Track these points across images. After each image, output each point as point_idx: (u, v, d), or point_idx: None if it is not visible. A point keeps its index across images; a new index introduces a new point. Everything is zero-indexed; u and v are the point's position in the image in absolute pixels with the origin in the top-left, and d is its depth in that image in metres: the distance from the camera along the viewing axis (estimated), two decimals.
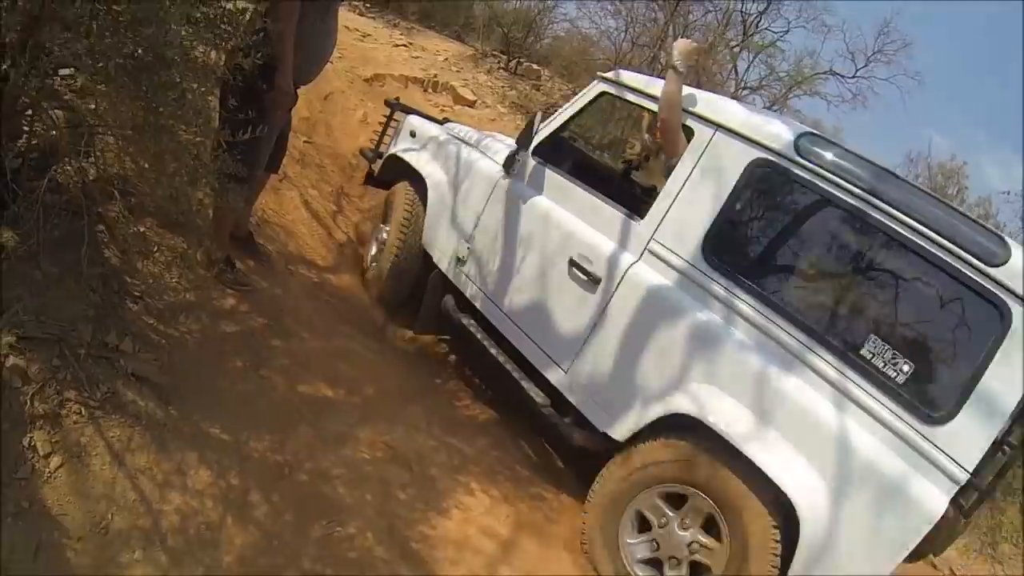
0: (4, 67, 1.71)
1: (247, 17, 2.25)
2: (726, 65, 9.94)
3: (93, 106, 2.05)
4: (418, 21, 10.84)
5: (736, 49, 9.58)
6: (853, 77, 10.42)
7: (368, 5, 11.39)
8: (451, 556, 2.29)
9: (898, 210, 2.02)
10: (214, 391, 2.31)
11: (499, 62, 11.06)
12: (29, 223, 1.82)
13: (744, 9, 9.86)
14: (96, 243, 2.16)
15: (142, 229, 2.41)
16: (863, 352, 2.03)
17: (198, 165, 2.16)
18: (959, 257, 1.92)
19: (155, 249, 2.46)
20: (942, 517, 1.79)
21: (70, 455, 1.76)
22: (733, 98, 9.16)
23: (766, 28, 9.88)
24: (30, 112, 1.93)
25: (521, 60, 10.59)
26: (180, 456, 2.01)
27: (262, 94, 2.58)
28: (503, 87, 9.28)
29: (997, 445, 1.83)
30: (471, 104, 7.85)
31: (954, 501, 1.83)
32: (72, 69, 2.15)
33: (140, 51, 1.82)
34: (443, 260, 3.28)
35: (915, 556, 1.92)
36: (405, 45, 8.75)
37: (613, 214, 2.63)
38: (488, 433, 3.17)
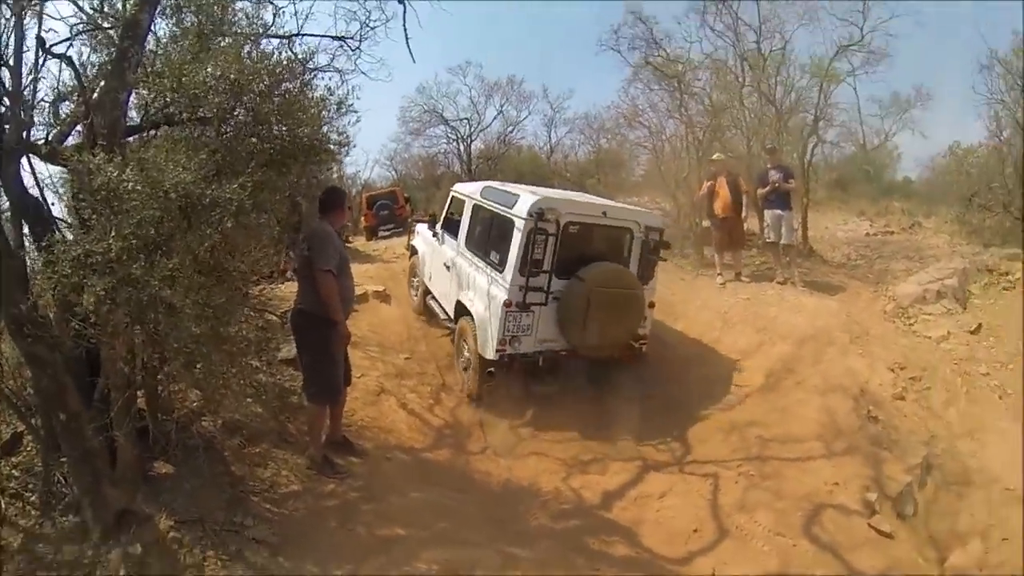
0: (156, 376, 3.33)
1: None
2: (763, 104, 10.29)
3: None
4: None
5: (751, 88, 10.03)
6: (863, 39, 9.98)
7: None
8: None
9: (490, 201, 5.71)
10: (312, 544, 3.39)
11: None
12: (179, 458, 3.28)
13: (740, 50, 10.47)
14: (226, 462, 3.57)
15: (257, 450, 3.82)
16: (490, 258, 5.43)
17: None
18: (505, 209, 5.33)
19: (270, 462, 3.83)
20: (504, 303, 5.04)
21: None
22: (777, 123, 9.42)
23: (771, 51, 10.28)
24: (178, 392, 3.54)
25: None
26: None
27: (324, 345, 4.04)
28: None
29: (517, 273, 5.10)
30: None
31: (507, 301, 5.06)
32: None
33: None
34: (426, 280, 7.11)
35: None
36: None
37: (455, 242, 6.30)
38: (552, 537, 3.71)
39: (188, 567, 2.96)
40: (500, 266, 5.19)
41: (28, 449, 3.53)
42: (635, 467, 4.51)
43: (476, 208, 5.99)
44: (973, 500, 4.22)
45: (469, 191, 6.37)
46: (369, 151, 35.15)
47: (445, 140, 24.57)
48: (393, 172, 26.09)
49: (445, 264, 6.34)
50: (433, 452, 4.88)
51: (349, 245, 12.62)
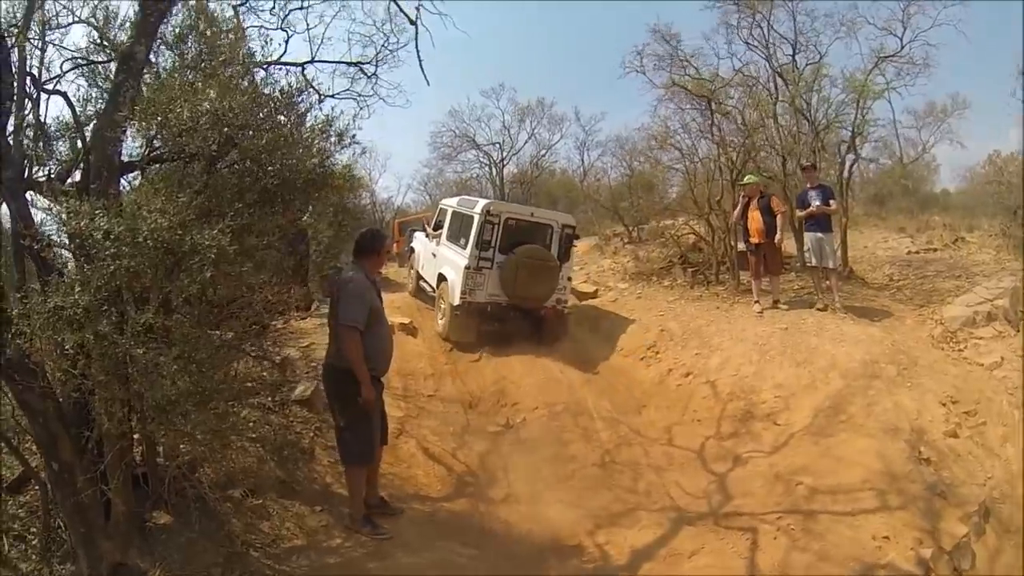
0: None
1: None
2: (799, 120, 9.87)
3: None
4: None
5: (785, 103, 9.73)
6: (903, 49, 9.46)
7: None
8: None
9: (463, 207, 8.55)
10: None
11: (622, 239, 12.71)
12: (177, 509, 3.17)
13: (775, 64, 10.04)
14: (222, 516, 3.45)
15: (260, 501, 3.69)
16: (459, 243, 8.18)
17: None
18: (470, 210, 8.14)
19: (273, 514, 3.68)
20: (465, 267, 7.66)
21: None
22: (814, 140, 9.02)
23: (807, 65, 9.87)
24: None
25: (642, 227, 12.09)
26: None
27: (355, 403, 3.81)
28: (625, 261, 11.29)
29: (474, 248, 7.70)
30: (592, 295, 9.88)
31: (467, 266, 7.70)
32: None
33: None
34: (419, 269, 10.15)
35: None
36: None
37: (439, 238, 9.00)
38: None
39: None
40: (464, 246, 7.89)
41: (35, 489, 3.49)
42: (667, 520, 4.24)
43: (455, 213, 8.72)
44: None
45: (451, 203, 9.20)
46: (402, 176, 35.51)
47: (478, 164, 24.66)
48: (427, 197, 26.19)
49: (433, 253, 9.22)
50: (451, 501, 4.67)
51: (379, 274, 13.31)
